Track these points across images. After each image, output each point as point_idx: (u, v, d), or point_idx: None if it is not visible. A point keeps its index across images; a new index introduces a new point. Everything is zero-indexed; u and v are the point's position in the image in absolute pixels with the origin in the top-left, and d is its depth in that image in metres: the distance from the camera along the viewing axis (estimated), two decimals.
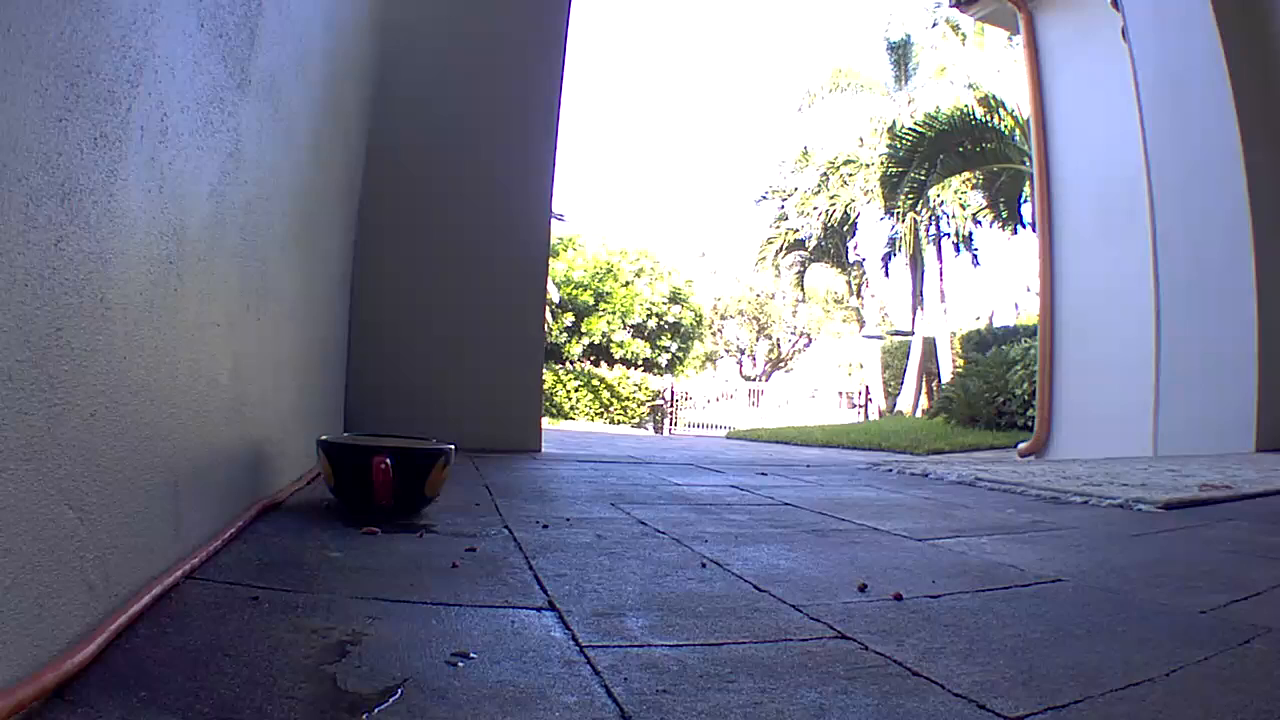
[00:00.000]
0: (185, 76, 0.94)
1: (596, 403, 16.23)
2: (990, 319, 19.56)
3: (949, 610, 1.04)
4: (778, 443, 8.68)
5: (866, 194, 18.82)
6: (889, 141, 14.44)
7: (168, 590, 0.89)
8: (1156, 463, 3.21)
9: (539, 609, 0.97)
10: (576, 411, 15.99)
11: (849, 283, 22.71)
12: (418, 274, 3.20)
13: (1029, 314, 16.52)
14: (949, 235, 18.25)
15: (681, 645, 0.86)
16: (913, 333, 17.93)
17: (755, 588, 1.12)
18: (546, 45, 3.48)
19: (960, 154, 10.23)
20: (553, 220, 3.91)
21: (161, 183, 0.88)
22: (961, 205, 17.28)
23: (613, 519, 1.66)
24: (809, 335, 28.32)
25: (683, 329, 18.04)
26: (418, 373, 3.13)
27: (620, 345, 16.89)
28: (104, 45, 0.71)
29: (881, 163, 15.10)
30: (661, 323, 17.51)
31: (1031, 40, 5.89)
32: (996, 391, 8.59)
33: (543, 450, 3.35)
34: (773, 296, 27.28)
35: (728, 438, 11.49)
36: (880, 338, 19.95)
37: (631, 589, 1.08)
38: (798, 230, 21.60)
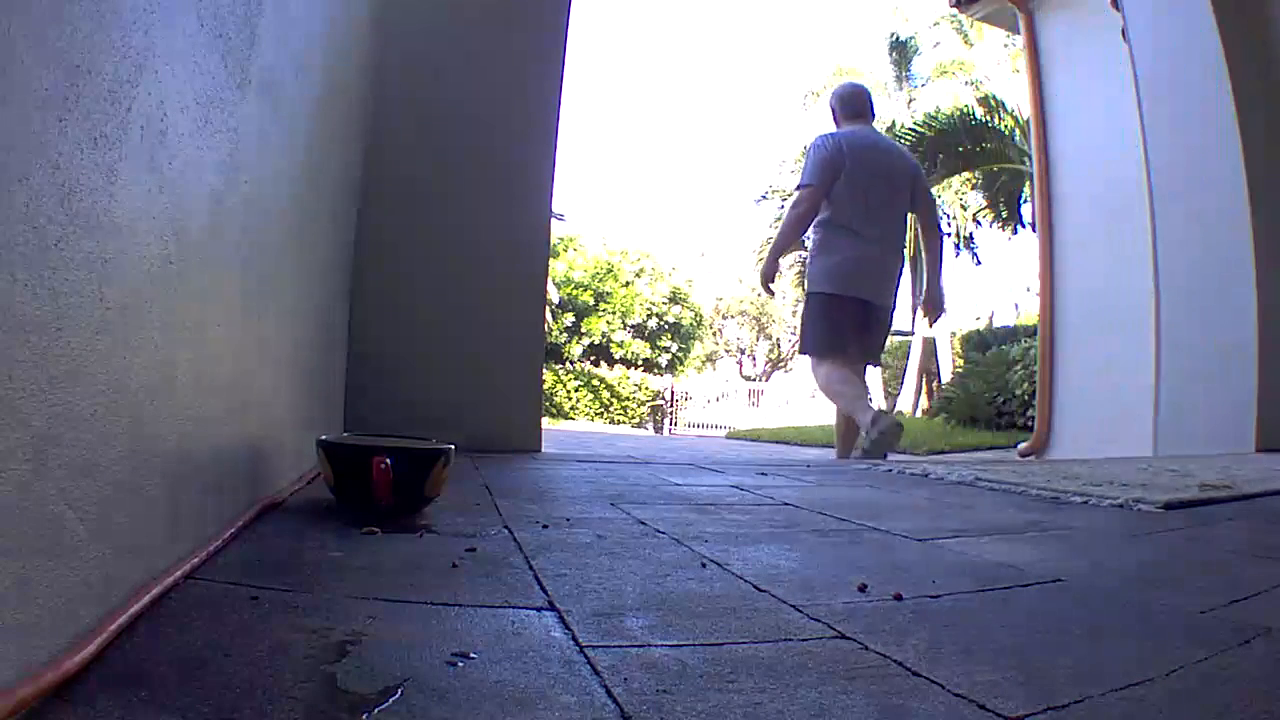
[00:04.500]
0: (185, 76, 0.94)
1: (596, 403, 16.23)
2: (990, 319, 19.54)
3: (949, 610, 1.04)
4: (778, 443, 8.69)
5: None
6: None
7: (168, 590, 0.89)
8: (1157, 463, 3.21)
9: (539, 609, 0.97)
10: (576, 411, 15.99)
11: None
12: (417, 273, 3.20)
13: (1029, 314, 16.49)
14: (949, 235, 18.25)
15: (682, 645, 0.86)
16: (912, 333, 17.92)
17: (755, 588, 1.12)
18: (547, 44, 3.48)
19: (960, 154, 10.24)
20: (553, 220, 3.90)
21: (161, 183, 0.88)
22: (962, 205, 17.29)
23: (613, 519, 1.66)
24: None
25: (683, 329, 18.04)
26: (417, 372, 3.13)
27: (620, 345, 16.89)
28: (104, 45, 0.71)
29: None
30: (661, 323, 17.50)
31: (1032, 40, 5.89)
32: (996, 391, 8.59)
33: (543, 450, 3.35)
34: (773, 296, 27.27)
35: (728, 438, 11.49)
36: None
37: (631, 589, 1.08)
38: None
